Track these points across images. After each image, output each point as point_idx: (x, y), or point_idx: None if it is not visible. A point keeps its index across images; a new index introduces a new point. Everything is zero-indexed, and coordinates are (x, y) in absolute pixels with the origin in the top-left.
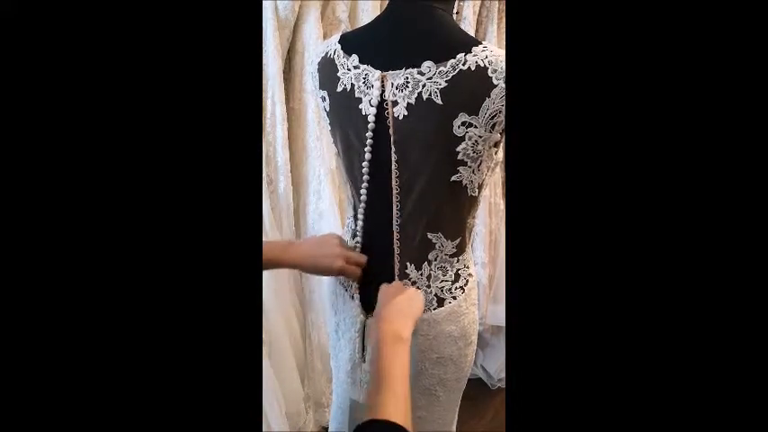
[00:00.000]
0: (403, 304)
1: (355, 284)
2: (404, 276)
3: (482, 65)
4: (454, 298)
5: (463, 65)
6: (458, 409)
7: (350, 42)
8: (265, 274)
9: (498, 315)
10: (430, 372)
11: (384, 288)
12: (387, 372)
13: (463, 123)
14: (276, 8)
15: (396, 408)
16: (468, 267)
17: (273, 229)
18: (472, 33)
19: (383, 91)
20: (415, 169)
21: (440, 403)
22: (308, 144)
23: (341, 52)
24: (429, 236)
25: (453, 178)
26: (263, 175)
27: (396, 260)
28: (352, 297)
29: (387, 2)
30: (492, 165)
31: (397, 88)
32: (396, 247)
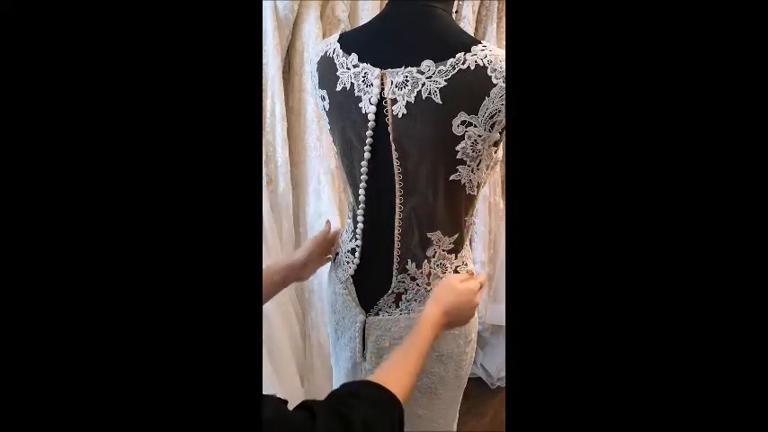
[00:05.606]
0: (461, 299)
1: (354, 284)
2: (403, 272)
3: (481, 64)
4: None
5: (462, 64)
6: (458, 408)
7: (349, 41)
8: None
9: (498, 314)
10: (430, 370)
11: (449, 277)
12: (405, 348)
13: (463, 122)
14: (276, 7)
15: (394, 379)
16: (466, 264)
17: (273, 230)
18: (472, 33)
19: (383, 89)
20: (414, 168)
21: (441, 402)
22: (307, 144)
23: (340, 51)
24: (428, 235)
25: (452, 177)
26: (263, 174)
27: (395, 259)
28: (352, 296)
29: (386, 1)
30: (491, 164)
31: (396, 86)
32: (396, 245)
